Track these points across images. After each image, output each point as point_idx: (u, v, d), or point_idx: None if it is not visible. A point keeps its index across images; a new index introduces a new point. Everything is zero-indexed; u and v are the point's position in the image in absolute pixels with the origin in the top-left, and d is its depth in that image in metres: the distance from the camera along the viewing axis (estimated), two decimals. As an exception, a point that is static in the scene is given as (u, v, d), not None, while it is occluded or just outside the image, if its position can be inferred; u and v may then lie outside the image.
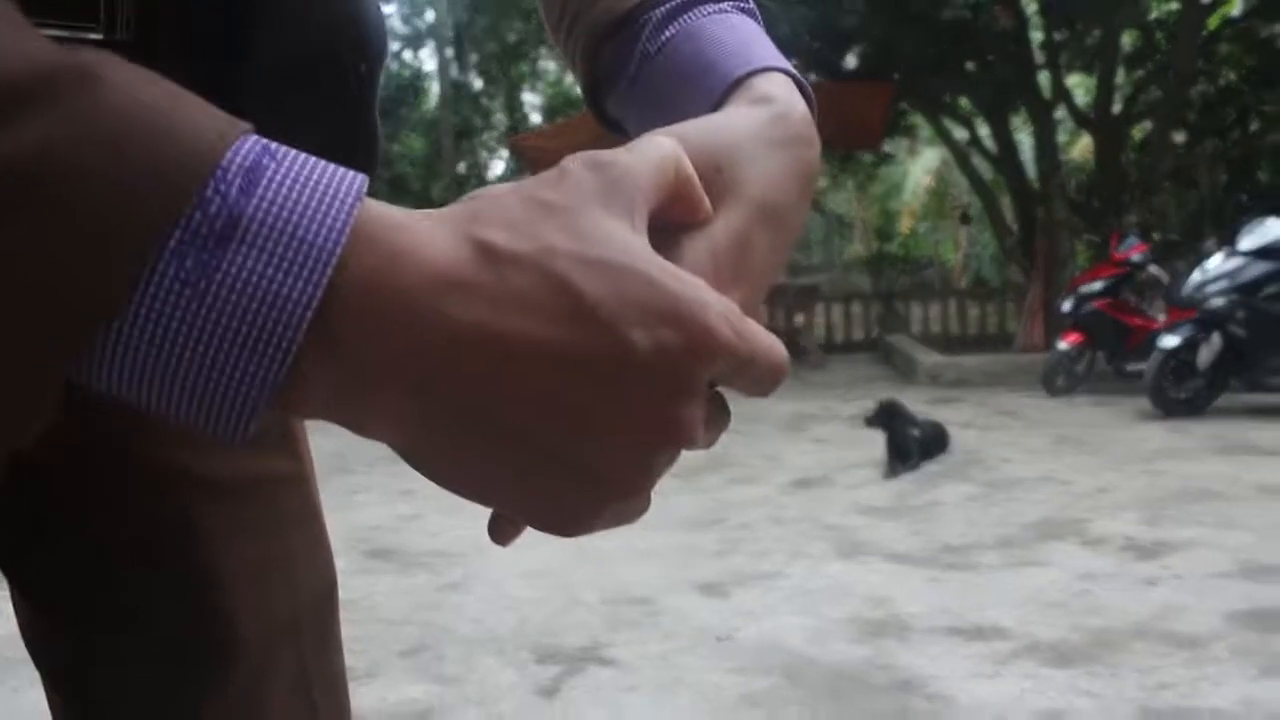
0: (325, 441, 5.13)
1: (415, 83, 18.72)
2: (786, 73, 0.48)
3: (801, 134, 0.45)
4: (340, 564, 0.74)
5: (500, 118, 19.01)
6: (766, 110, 0.45)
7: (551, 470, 0.34)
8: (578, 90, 0.60)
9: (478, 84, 18.70)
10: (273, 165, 0.31)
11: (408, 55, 18.79)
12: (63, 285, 0.29)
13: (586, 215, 0.34)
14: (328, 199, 0.31)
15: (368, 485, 5.60)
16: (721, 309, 0.35)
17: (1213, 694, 2.54)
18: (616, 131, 0.58)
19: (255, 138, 0.32)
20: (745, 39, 0.50)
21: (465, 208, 0.35)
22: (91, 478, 0.61)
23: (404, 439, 0.34)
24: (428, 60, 19.51)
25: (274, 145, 0.32)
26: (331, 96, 0.52)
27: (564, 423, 0.33)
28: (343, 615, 0.73)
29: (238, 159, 0.31)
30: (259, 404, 0.31)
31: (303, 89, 0.50)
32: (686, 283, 0.34)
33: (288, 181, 0.31)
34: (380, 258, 0.32)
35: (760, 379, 0.38)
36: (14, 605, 0.66)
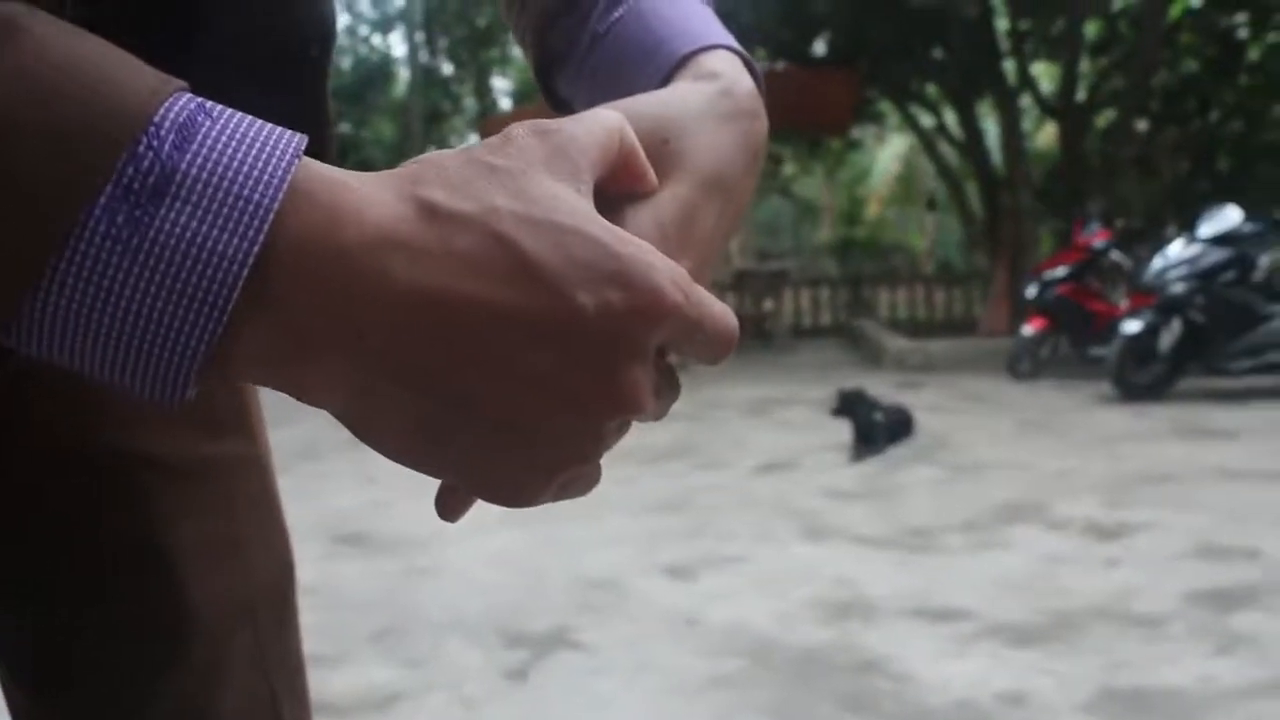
0: (293, 429, 5.09)
1: (384, 67, 18.57)
2: (733, 50, 0.49)
3: (748, 108, 0.46)
4: (308, 550, 0.73)
5: (470, 103, 18.89)
6: (713, 85, 0.45)
7: (496, 437, 0.34)
8: (531, 71, 0.60)
9: (447, 69, 18.57)
10: (208, 122, 0.31)
11: (377, 40, 18.65)
12: None
13: (531, 178, 0.34)
14: (264, 155, 0.31)
15: (335, 471, 5.58)
16: (669, 271, 0.34)
17: (1170, 672, 2.59)
18: (566, 112, 0.58)
19: (190, 95, 0.31)
20: (692, 17, 0.50)
21: (407, 169, 0.34)
22: (43, 459, 0.61)
23: (345, 404, 0.33)
24: (397, 45, 19.39)
25: (209, 103, 0.31)
26: (282, 79, 0.51)
27: (508, 386, 0.32)
28: (311, 600, 0.74)
29: (171, 114, 0.30)
30: (195, 365, 0.30)
31: (252, 71, 0.49)
32: (633, 244, 0.34)
33: (224, 138, 0.30)
34: (319, 215, 0.31)
35: (710, 344, 0.37)
36: None
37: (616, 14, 0.52)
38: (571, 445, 0.34)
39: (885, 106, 14.44)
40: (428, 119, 16.80)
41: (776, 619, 3.11)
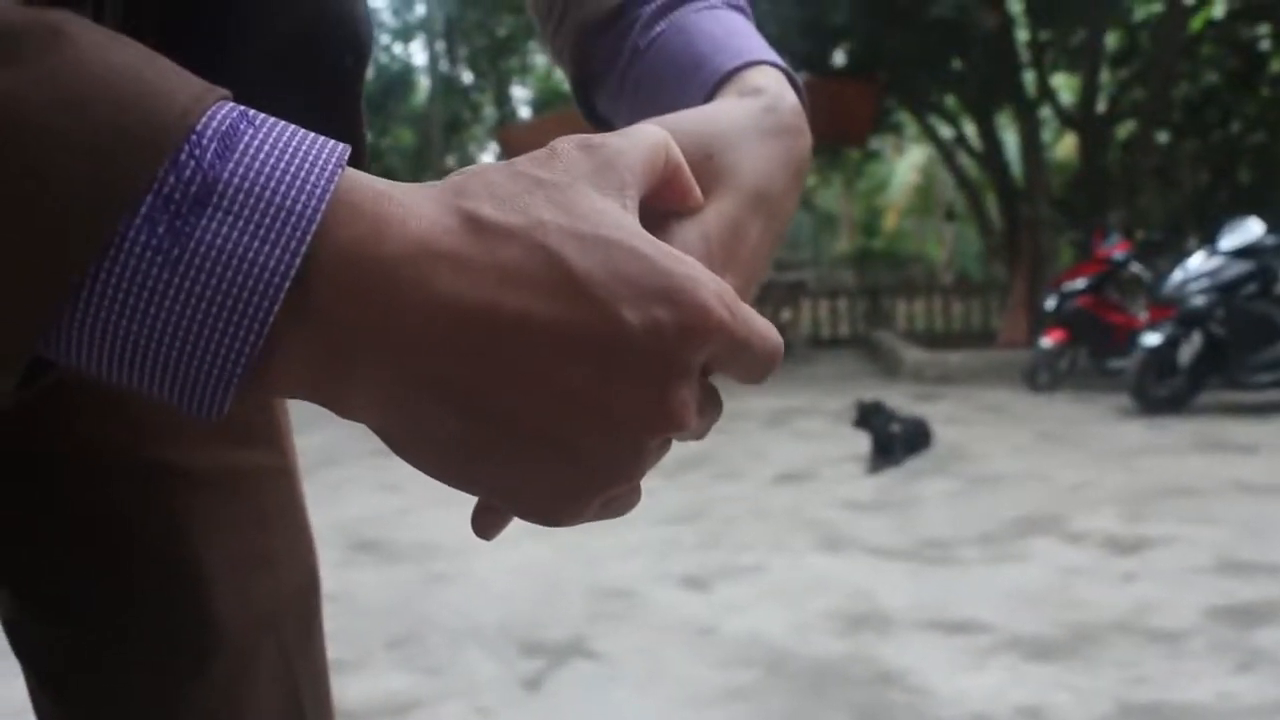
0: (313, 435, 5.12)
1: (405, 76, 18.66)
2: (777, 65, 0.49)
3: (792, 125, 0.45)
4: (327, 557, 0.74)
5: (490, 111, 18.96)
6: (757, 101, 0.45)
7: (539, 454, 0.33)
8: (567, 85, 0.60)
9: (467, 78, 18.65)
10: (250, 130, 0.30)
11: (397, 49, 18.73)
12: (29, 253, 0.28)
13: (577, 191, 0.33)
14: (307, 165, 0.30)
15: (354, 479, 5.60)
16: (716, 288, 0.33)
17: (1190, 688, 2.58)
18: (605, 128, 0.57)
19: (232, 104, 0.31)
20: (735, 33, 0.50)
21: (452, 181, 0.33)
22: (73, 472, 0.61)
23: (386, 419, 0.33)
24: (417, 54, 19.53)
25: (252, 112, 0.31)
26: (316, 89, 0.51)
27: (552, 403, 0.32)
28: (329, 607, 0.74)
29: (214, 123, 0.30)
30: (235, 377, 0.30)
31: (287, 81, 0.48)
32: (681, 261, 0.33)
33: (265, 147, 0.30)
34: (363, 226, 0.31)
35: (754, 364, 0.36)
36: None
37: (658, 29, 0.52)
38: (614, 464, 0.34)
39: (904, 117, 14.43)
40: (448, 127, 16.87)
41: (792, 630, 3.11)
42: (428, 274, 0.31)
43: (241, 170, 0.29)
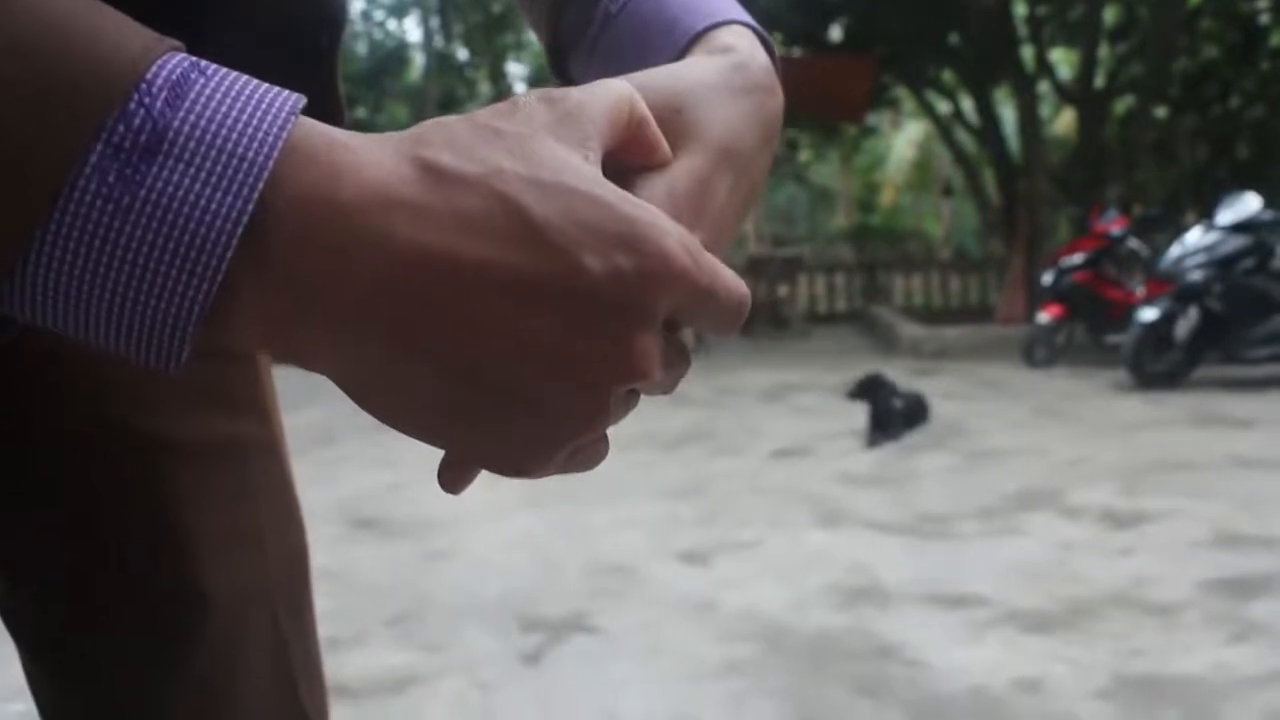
0: (308, 413, 5.14)
1: (399, 53, 18.58)
2: (748, 25, 0.48)
3: (762, 82, 0.45)
4: (324, 534, 0.74)
5: (485, 88, 18.87)
6: (727, 59, 0.45)
7: (501, 404, 0.33)
8: (546, 57, 0.60)
9: (462, 54, 18.56)
10: (201, 80, 0.30)
11: (392, 25, 18.70)
12: None
13: (538, 141, 0.33)
14: (260, 113, 0.30)
15: (350, 456, 5.61)
16: (679, 236, 0.33)
17: (1185, 660, 2.59)
18: None
19: (184, 55, 0.30)
20: None
21: (412, 132, 0.33)
22: (64, 441, 0.61)
23: (347, 371, 0.33)
24: (412, 30, 19.40)
25: (204, 62, 0.30)
26: (292, 67, 0.50)
27: (514, 353, 0.32)
28: (327, 585, 0.74)
29: (164, 72, 0.29)
30: (190, 327, 0.30)
31: (263, 59, 0.46)
32: (642, 208, 0.33)
33: (218, 95, 0.30)
34: (318, 174, 0.30)
35: (721, 313, 0.36)
36: None
37: None
38: (577, 414, 0.33)
39: (901, 93, 14.40)
40: (443, 104, 16.80)
41: (791, 604, 3.12)
42: (384, 221, 0.30)
43: (192, 119, 0.29)
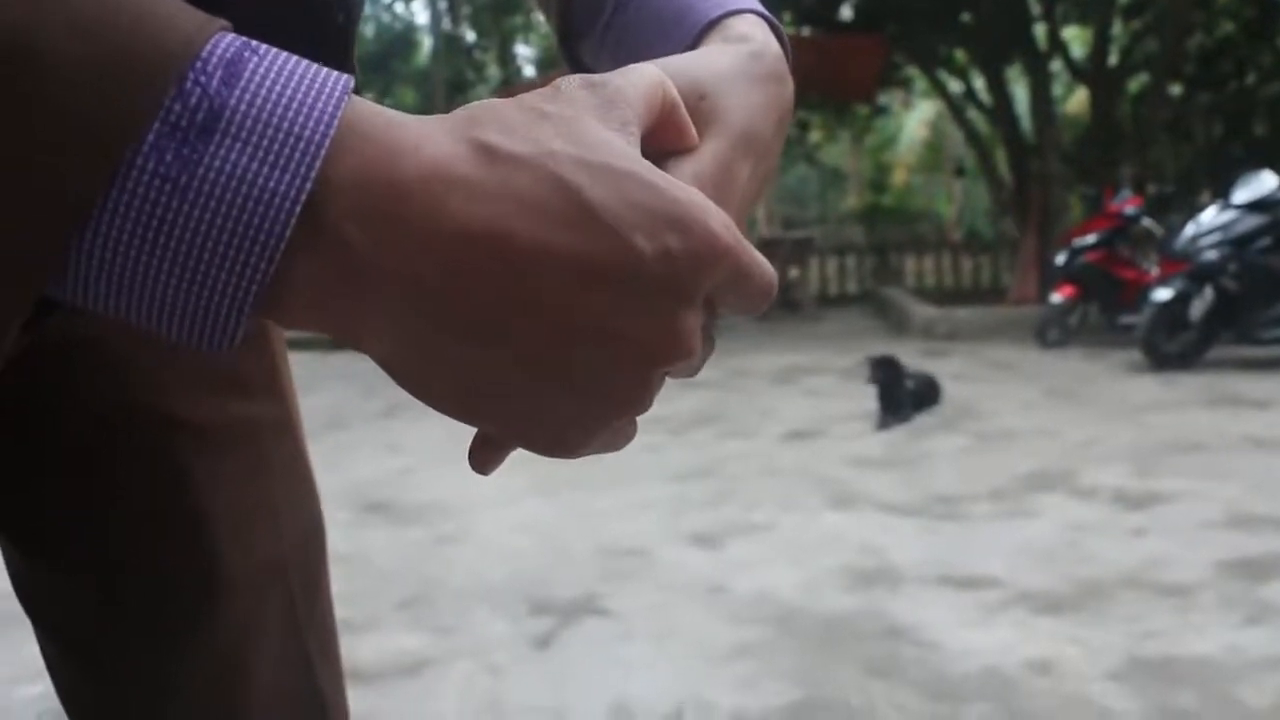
0: (319, 397, 5.16)
1: (407, 35, 18.53)
2: (760, 14, 0.49)
3: (777, 71, 0.46)
4: (336, 518, 0.74)
5: (493, 70, 18.81)
6: (744, 47, 0.46)
7: (549, 383, 0.33)
8: (555, 40, 0.60)
9: (470, 36, 18.50)
10: (255, 59, 0.30)
11: (399, 8, 18.63)
12: (33, 184, 0.27)
13: (584, 124, 0.33)
14: (314, 91, 0.30)
15: (361, 441, 5.62)
16: (721, 218, 0.34)
17: (1198, 641, 2.58)
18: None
19: (235, 34, 0.31)
20: None
21: (462, 112, 0.34)
22: (80, 428, 0.61)
23: (395, 348, 0.33)
24: (420, 13, 19.35)
25: (255, 42, 0.31)
26: (308, 47, 0.50)
27: (564, 331, 0.32)
28: (339, 568, 0.74)
29: (218, 50, 0.29)
30: (246, 305, 0.30)
31: (278, 39, 0.48)
32: (687, 190, 0.34)
33: (271, 74, 0.30)
34: (375, 151, 0.31)
35: (755, 293, 0.37)
36: (4, 557, 0.66)
37: None
38: (621, 393, 0.34)
39: (912, 72, 14.29)
40: (451, 87, 16.75)
41: (802, 586, 3.12)
42: (441, 199, 0.31)
43: (248, 97, 0.29)
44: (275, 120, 0.29)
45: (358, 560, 3.50)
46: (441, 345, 0.32)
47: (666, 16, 0.50)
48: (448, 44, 16.79)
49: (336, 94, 0.30)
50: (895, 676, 2.48)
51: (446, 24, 17.02)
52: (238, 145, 0.29)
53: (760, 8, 0.49)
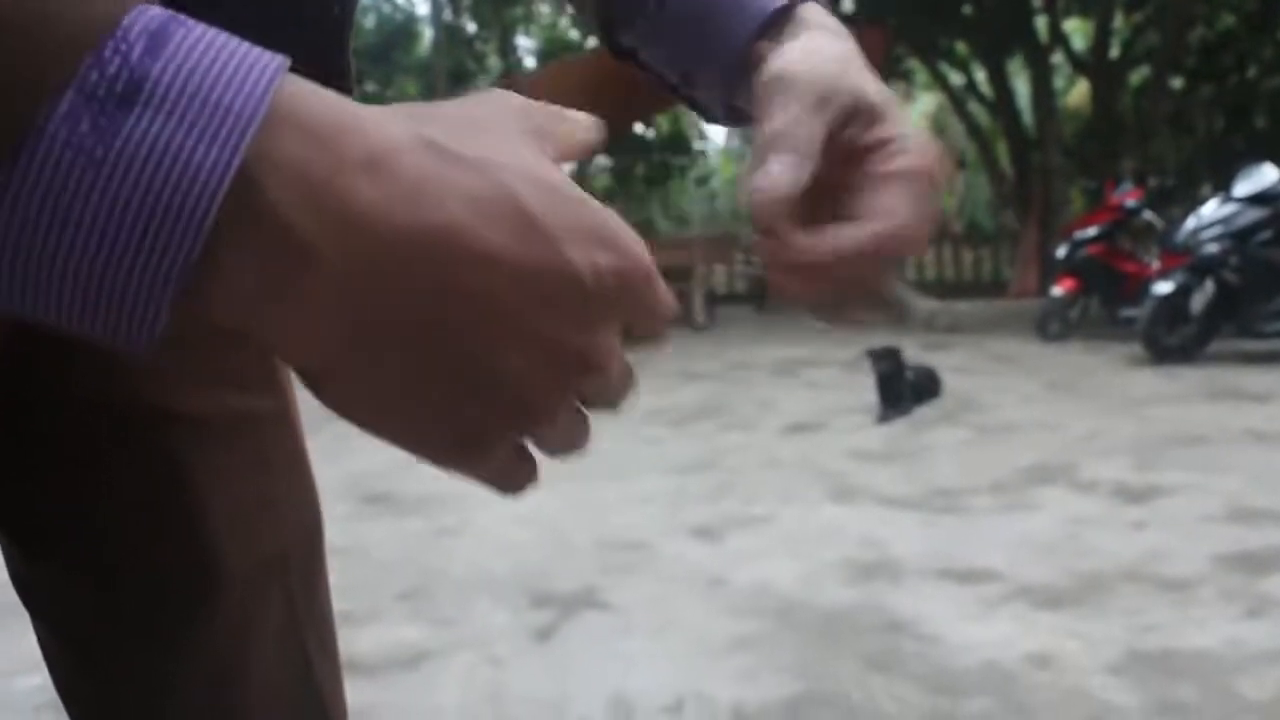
0: (319, 388, 5.13)
1: (407, 27, 18.47)
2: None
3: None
4: (336, 510, 0.74)
5: (494, 62, 18.77)
6: (848, 44, 0.51)
7: (466, 385, 0.32)
8: (572, 33, 0.61)
9: (471, 28, 18.45)
10: (182, 30, 0.28)
11: (399, -1, 18.54)
12: None
13: (518, 139, 0.34)
14: (245, 66, 0.28)
15: (360, 432, 5.60)
16: (638, 237, 0.35)
17: (1199, 635, 2.58)
18: (629, 59, 0.58)
19: (163, 9, 0.29)
20: None
21: (401, 108, 0.33)
22: (76, 422, 0.61)
23: (319, 348, 0.31)
24: (420, 4, 19.27)
25: (183, 16, 0.29)
26: (303, 39, 0.50)
27: (496, 332, 0.32)
28: (339, 560, 0.74)
29: (141, 21, 0.28)
30: (167, 293, 0.28)
31: (273, 30, 0.46)
32: (610, 212, 0.34)
33: (200, 47, 0.28)
34: (319, 130, 0.29)
35: (660, 315, 0.37)
36: (3, 553, 0.66)
37: None
38: (537, 399, 0.34)
39: (914, 64, 14.26)
40: (452, 78, 16.71)
41: (802, 579, 3.12)
42: (390, 185, 0.30)
43: (173, 68, 0.27)
44: (203, 93, 0.27)
45: (358, 552, 3.50)
46: (374, 344, 0.31)
47: (721, 5, 0.50)
48: (449, 35, 16.75)
49: (271, 69, 0.28)
50: (895, 669, 2.48)
51: (447, 15, 16.97)
52: (160, 117, 0.27)
53: None
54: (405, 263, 0.30)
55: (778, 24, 0.50)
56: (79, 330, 0.29)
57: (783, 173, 0.45)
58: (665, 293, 0.36)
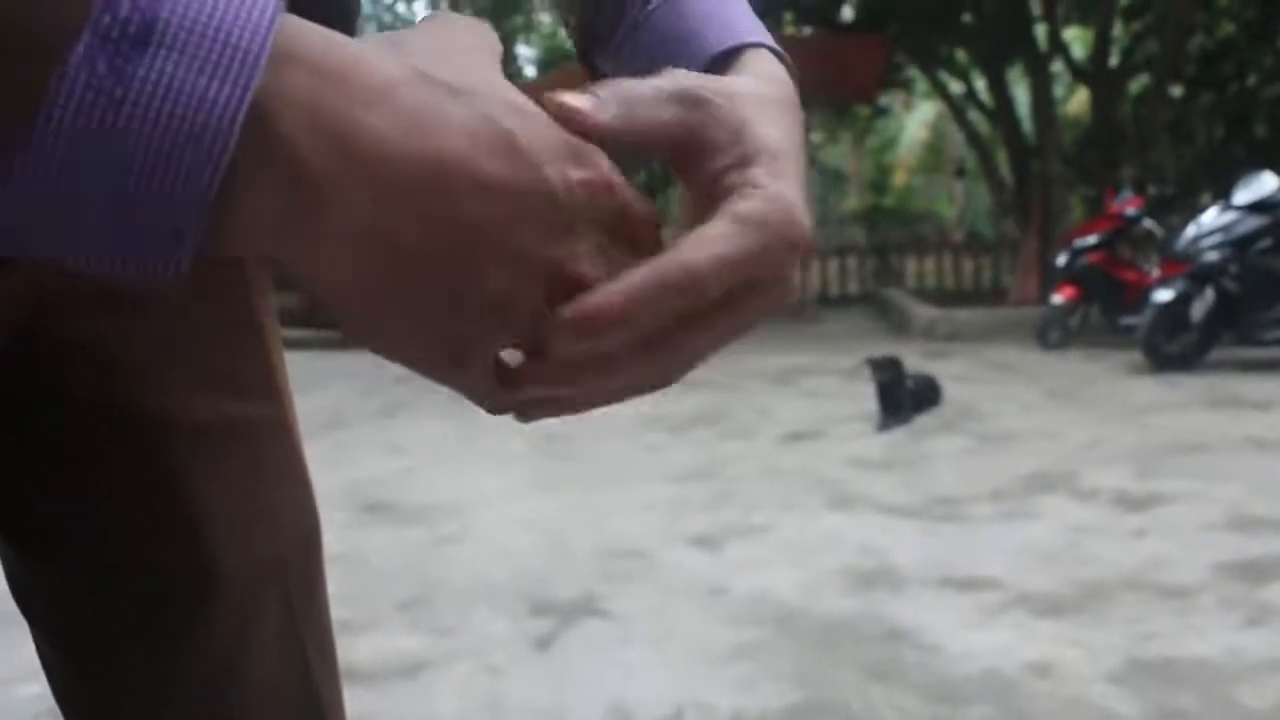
0: (320, 397, 5.16)
1: (407, 35, 18.49)
2: (771, 49, 0.50)
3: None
4: (335, 518, 0.74)
5: (494, 71, 18.80)
6: (783, 90, 0.47)
7: (458, 301, 0.34)
8: (572, 43, 0.62)
9: (470, 36, 18.46)
10: None
11: (401, 8, 18.58)
12: None
13: (485, 64, 0.37)
14: (248, 6, 0.29)
15: (360, 440, 5.61)
16: (599, 149, 0.37)
17: (1198, 643, 2.58)
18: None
19: None
20: (729, 7, 0.51)
21: (383, 38, 0.36)
22: (72, 427, 0.61)
23: (347, 272, 0.33)
24: (421, 13, 19.26)
25: None
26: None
27: (487, 254, 0.34)
28: (338, 568, 0.74)
29: None
30: (191, 223, 0.29)
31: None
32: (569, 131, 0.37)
33: None
34: (319, 65, 0.31)
35: (641, 220, 0.39)
36: (1, 556, 0.65)
37: (652, 5, 0.53)
38: (519, 316, 0.36)
39: (914, 73, 14.28)
40: (453, 87, 16.71)
41: (802, 588, 3.11)
42: (391, 119, 0.31)
43: (180, 8, 0.29)
44: (210, 32, 0.29)
45: (357, 560, 3.49)
46: (382, 270, 0.33)
47: (670, 41, 0.51)
48: (449, 44, 16.75)
49: (270, 9, 0.30)
50: (895, 678, 2.47)
51: (447, 24, 16.98)
52: (174, 56, 0.28)
53: (773, 43, 0.50)
54: (412, 191, 0.32)
55: (722, 66, 0.48)
56: (107, 270, 0.30)
57: (596, 100, 0.40)
58: (639, 200, 0.38)
